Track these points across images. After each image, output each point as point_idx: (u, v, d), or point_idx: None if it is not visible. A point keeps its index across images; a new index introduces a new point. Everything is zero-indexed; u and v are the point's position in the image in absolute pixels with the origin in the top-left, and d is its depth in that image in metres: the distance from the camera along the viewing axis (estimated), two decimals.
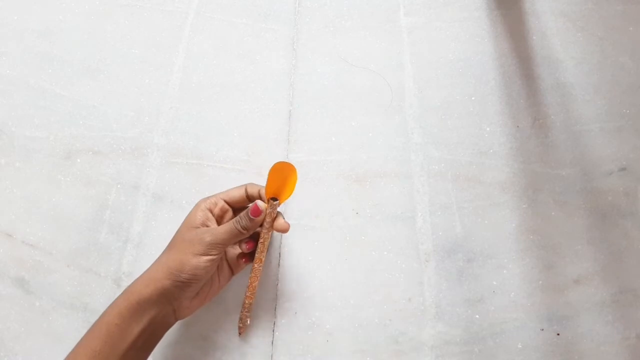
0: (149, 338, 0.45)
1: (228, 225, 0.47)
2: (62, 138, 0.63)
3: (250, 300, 0.53)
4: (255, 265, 0.52)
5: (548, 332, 0.55)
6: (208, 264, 0.46)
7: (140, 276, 0.46)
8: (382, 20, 0.70)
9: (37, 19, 0.70)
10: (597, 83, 0.66)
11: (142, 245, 0.58)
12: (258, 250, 0.51)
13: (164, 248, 0.49)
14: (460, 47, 0.68)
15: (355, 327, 0.55)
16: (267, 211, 0.49)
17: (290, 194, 0.51)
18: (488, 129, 0.64)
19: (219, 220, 0.51)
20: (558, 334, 0.55)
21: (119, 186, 0.61)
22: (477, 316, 0.55)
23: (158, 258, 0.48)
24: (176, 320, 0.48)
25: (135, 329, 0.43)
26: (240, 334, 0.54)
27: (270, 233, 0.50)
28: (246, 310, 0.53)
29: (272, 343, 0.54)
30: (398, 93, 0.66)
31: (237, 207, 0.52)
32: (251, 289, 0.53)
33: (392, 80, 0.67)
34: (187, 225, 0.48)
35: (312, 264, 0.57)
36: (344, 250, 0.58)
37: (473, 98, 0.66)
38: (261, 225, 0.50)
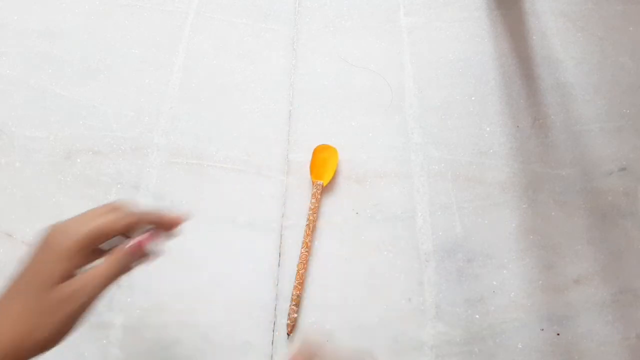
0: None
1: (106, 270, 0.34)
2: (62, 138, 0.63)
3: (299, 292, 0.48)
4: (302, 251, 0.48)
5: (548, 332, 0.55)
6: (77, 327, 0.33)
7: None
8: (382, 20, 0.70)
9: (37, 19, 0.70)
10: (597, 83, 0.66)
11: None
12: (304, 234, 0.48)
13: None
14: (460, 47, 0.68)
15: (355, 327, 0.55)
16: (313, 191, 0.49)
17: (332, 176, 0.52)
18: (488, 129, 0.64)
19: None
20: (558, 334, 0.55)
21: (119, 186, 0.61)
22: (477, 316, 0.55)
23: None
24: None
25: None
26: (289, 333, 0.48)
27: (316, 215, 0.48)
28: (294, 303, 0.49)
29: (272, 343, 0.54)
30: (398, 93, 0.66)
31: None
32: (299, 278, 0.48)
33: (392, 80, 0.67)
34: (53, 277, 0.32)
35: (312, 264, 0.57)
36: (344, 250, 0.58)
37: (473, 98, 0.66)
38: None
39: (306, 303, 0.56)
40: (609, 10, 0.70)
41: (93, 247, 0.34)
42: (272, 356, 0.54)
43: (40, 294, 0.32)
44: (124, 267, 0.35)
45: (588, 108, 0.65)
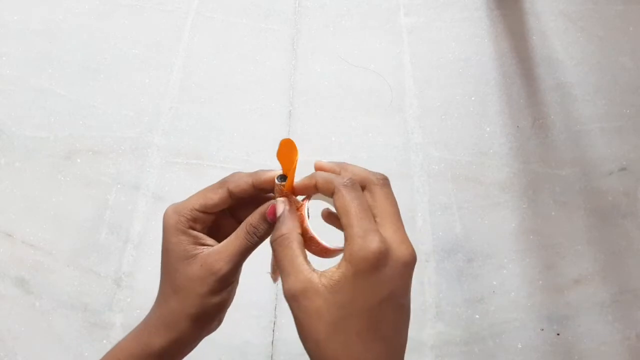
0: None
1: (237, 241, 0.35)
2: (62, 138, 0.63)
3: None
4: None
5: (548, 332, 0.55)
6: (233, 293, 0.36)
7: (148, 324, 0.36)
8: (382, 20, 0.70)
9: (37, 19, 0.70)
10: (597, 83, 0.66)
11: (142, 245, 0.58)
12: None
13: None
14: (460, 47, 0.68)
15: None
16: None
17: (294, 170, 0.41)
18: (488, 129, 0.64)
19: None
20: (558, 334, 0.55)
21: (119, 186, 0.61)
22: (477, 316, 0.55)
23: (160, 306, 0.36)
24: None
25: None
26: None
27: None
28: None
29: (272, 343, 0.54)
30: (398, 93, 0.66)
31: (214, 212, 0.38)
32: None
33: (392, 80, 0.67)
34: (180, 257, 0.35)
35: (312, 264, 0.57)
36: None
37: (473, 98, 0.66)
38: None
39: None
40: (609, 10, 0.70)
41: (203, 222, 0.35)
42: (272, 356, 0.54)
43: (183, 265, 0.34)
44: (260, 236, 0.35)
45: (588, 108, 0.65)
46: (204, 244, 0.35)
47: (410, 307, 0.32)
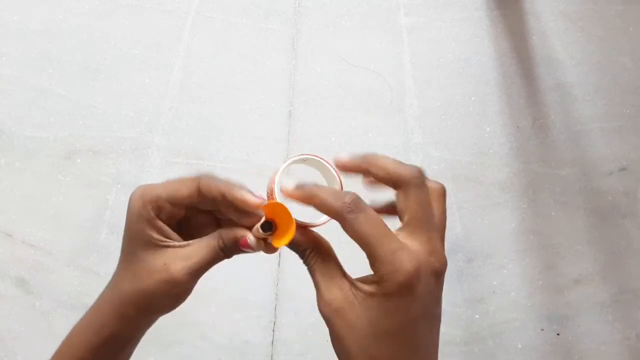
0: (127, 348, 0.36)
1: (206, 251, 0.32)
2: (62, 138, 0.63)
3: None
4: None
5: (548, 332, 0.55)
6: (187, 294, 0.33)
7: (100, 309, 0.35)
8: (382, 20, 0.70)
9: (37, 19, 0.70)
10: (597, 83, 0.66)
11: None
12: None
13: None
14: (460, 47, 0.68)
15: None
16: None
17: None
18: (488, 129, 0.64)
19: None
20: (558, 334, 0.55)
21: (119, 186, 0.61)
22: (477, 316, 0.55)
23: (116, 284, 0.34)
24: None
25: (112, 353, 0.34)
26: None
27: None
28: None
29: (272, 343, 0.54)
30: (398, 93, 0.66)
31: (183, 206, 0.35)
32: None
33: (392, 80, 0.67)
34: (141, 245, 0.32)
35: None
36: (344, 250, 0.58)
37: (473, 98, 0.66)
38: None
39: (306, 303, 0.56)
40: (609, 10, 0.70)
41: (170, 213, 0.33)
42: (272, 356, 0.54)
43: (141, 248, 0.32)
44: (227, 252, 0.33)
45: (588, 108, 0.65)
46: (168, 237, 0.32)
47: (442, 312, 0.30)
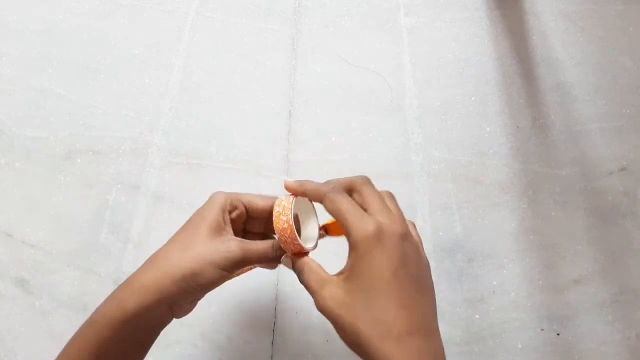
0: (143, 343, 0.40)
1: (264, 246, 0.39)
2: (62, 138, 0.63)
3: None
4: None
5: (548, 332, 0.55)
6: (227, 279, 0.39)
7: (140, 276, 0.39)
8: (382, 20, 0.70)
9: (37, 19, 0.70)
10: (597, 83, 0.66)
11: (142, 245, 0.58)
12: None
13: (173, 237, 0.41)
14: (460, 47, 0.69)
15: None
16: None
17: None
18: (488, 129, 0.64)
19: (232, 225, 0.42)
20: (558, 334, 0.55)
21: (119, 186, 0.61)
22: (477, 316, 0.55)
23: (165, 252, 0.40)
24: (172, 319, 0.42)
25: (128, 341, 0.38)
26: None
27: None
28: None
29: (272, 343, 0.54)
30: (398, 93, 0.66)
31: (253, 216, 0.44)
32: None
33: (392, 80, 0.67)
34: (209, 225, 0.39)
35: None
36: (344, 251, 0.58)
37: (473, 98, 0.66)
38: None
39: (306, 303, 0.56)
40: (609, 10, 0.70)
41: (239, 215, 0.42)
42: (272, 356, 0.54)
43: (208, 232, 0.39)
44: (276, 257, 0.40)
45: (588, 108, 0.65)
46: (229, 231, 0.40)
47: (433, 287, 0.36)
